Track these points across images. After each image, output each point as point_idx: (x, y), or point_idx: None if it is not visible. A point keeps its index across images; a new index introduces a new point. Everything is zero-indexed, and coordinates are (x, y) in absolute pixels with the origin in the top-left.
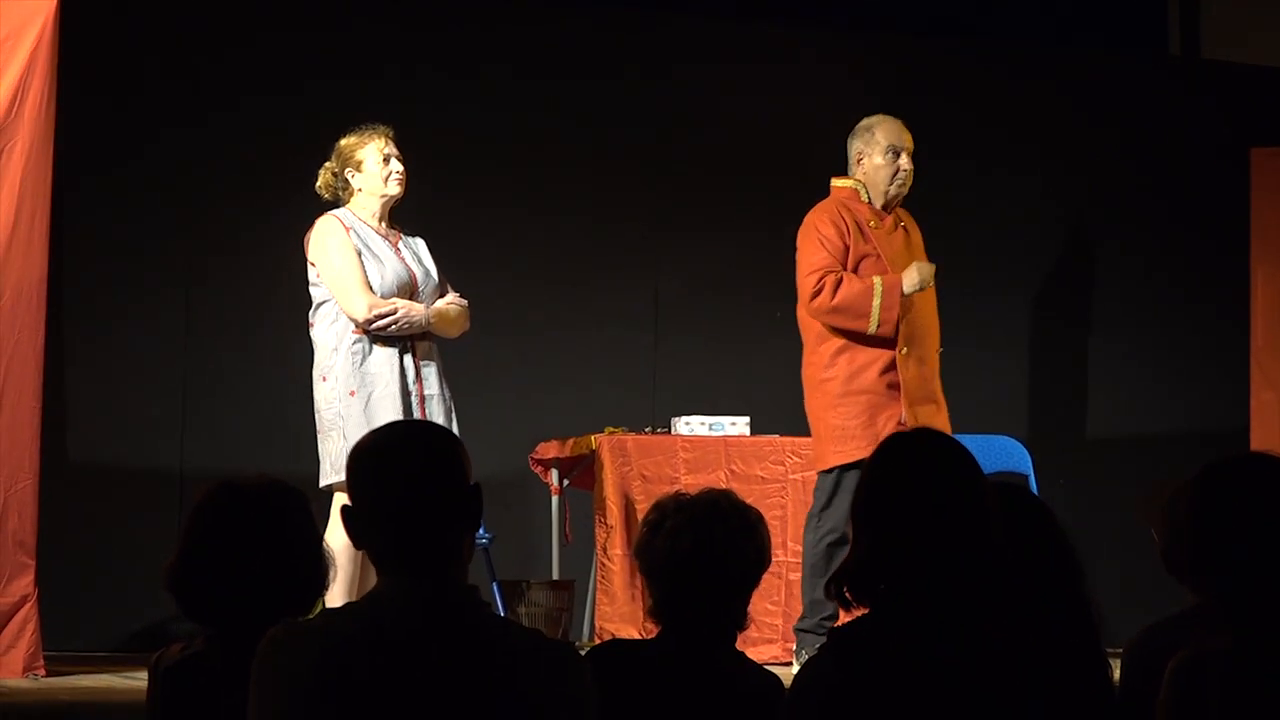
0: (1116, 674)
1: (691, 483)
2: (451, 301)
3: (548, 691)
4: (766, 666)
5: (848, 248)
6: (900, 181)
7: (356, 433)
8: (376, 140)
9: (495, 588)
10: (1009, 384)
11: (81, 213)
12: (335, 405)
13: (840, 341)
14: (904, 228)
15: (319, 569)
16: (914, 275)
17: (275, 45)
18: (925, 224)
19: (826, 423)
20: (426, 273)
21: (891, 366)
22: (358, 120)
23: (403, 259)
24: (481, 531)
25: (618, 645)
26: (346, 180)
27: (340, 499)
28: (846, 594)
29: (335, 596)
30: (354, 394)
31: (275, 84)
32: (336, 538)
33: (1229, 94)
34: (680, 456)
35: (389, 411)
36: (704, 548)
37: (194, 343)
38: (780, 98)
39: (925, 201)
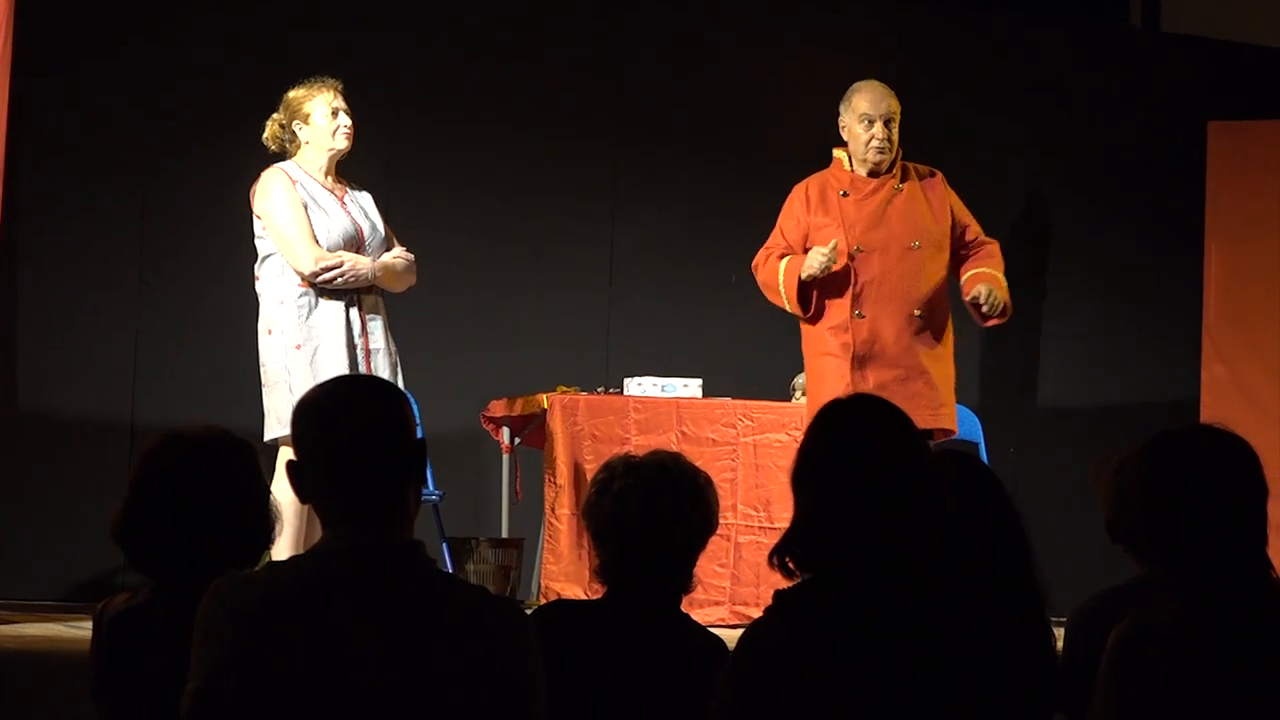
0: (1060, 643)
1: (642, 444)
2: (398, 256)
3: (490, 646)
4: (713, 629)
5: (807, 226)
6: (876, 149)
7: (302, 386)
8: (325, 93)
9: (444, 545)
10: (961, 353)
11: (33, 158)
12: (281, 359)
13: (814, 311)
14: (899, 187)
15: (265, 522)
16: (812, 259)
17: (228, 7)
18: None
19: (807, 384)
20: (373, 226)
21: (845, 331)
22: (313, 70)
23: (349, 213)
24: (432, 489)
25: (562, 605)
26: (294, 133)
27: (286, 453)
28: (789, 563)
29: (281, 550)
30: (300, 348)
31: (233, 35)
32: (283, 492)
33: (1187, 67)
34: (631, 417)
35: (335, 365)
36: (650, 510)
37: (146, 292)
38: (739, 58)
39: None
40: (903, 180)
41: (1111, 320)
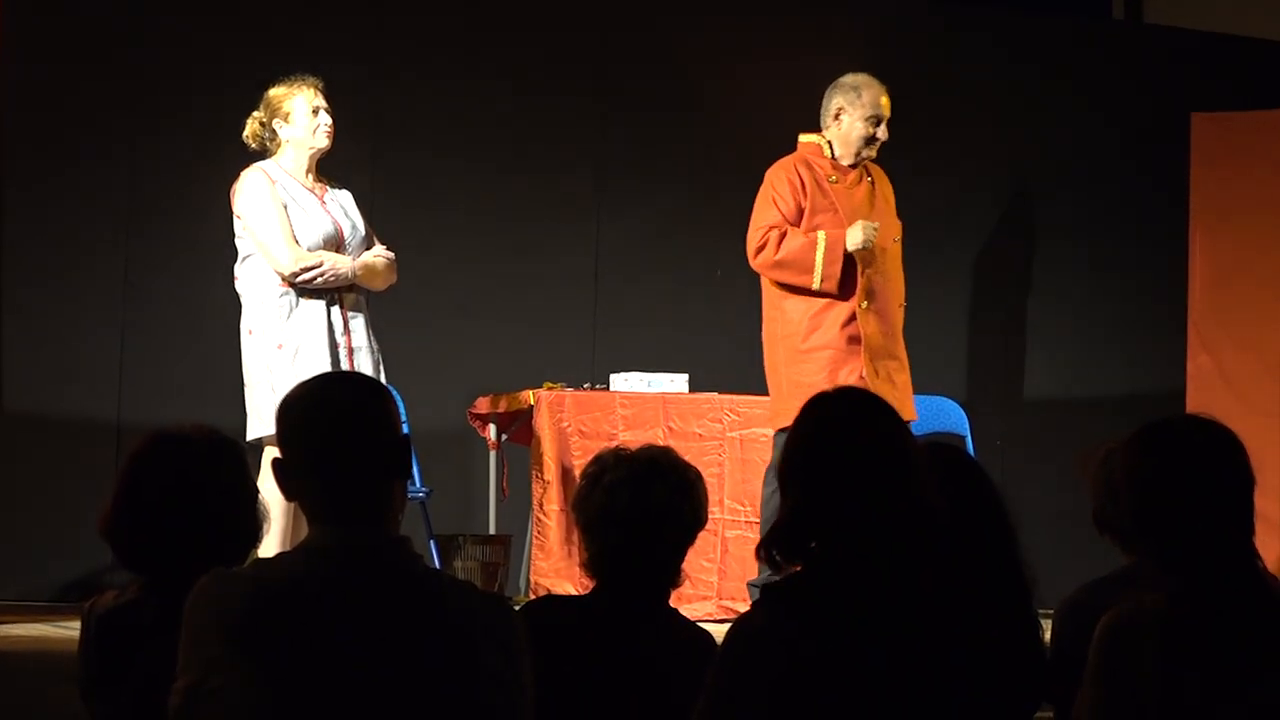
0: (1048, 635)
1: (630, 439)
2: (378, 254)
3: (478, 643)
4: (700, 623)
5: (801, 207)
6: (874, 148)
7: (285, 385)
8: (305, 91)
9: (431, 542)
10: (947, 345)
11: (18, 159)
12: (263, 358)
13: (800, 296)
14: (870, 181)
15: (253, 520)
16: (857, 234)
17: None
18: None
19: (788, 378)
20: (353, 225)
21: (852, 320)
22: (298, 67)
23: (329, 212)
24: (419, 486)
25: (550, 600)
26: (274, 131)
27: (272, 452)
28: (776, 556)
29: (268, 549)
30: (282, 347)
31: (221, 40)
32: (270, 490)
33: (1170, 58)
34: (618, 413)
35: (317, 364)
36: (640, 504)
37: (132, 292)
38: (725, 53)
39: None
40: (866, 173)
41: (1097, 312)
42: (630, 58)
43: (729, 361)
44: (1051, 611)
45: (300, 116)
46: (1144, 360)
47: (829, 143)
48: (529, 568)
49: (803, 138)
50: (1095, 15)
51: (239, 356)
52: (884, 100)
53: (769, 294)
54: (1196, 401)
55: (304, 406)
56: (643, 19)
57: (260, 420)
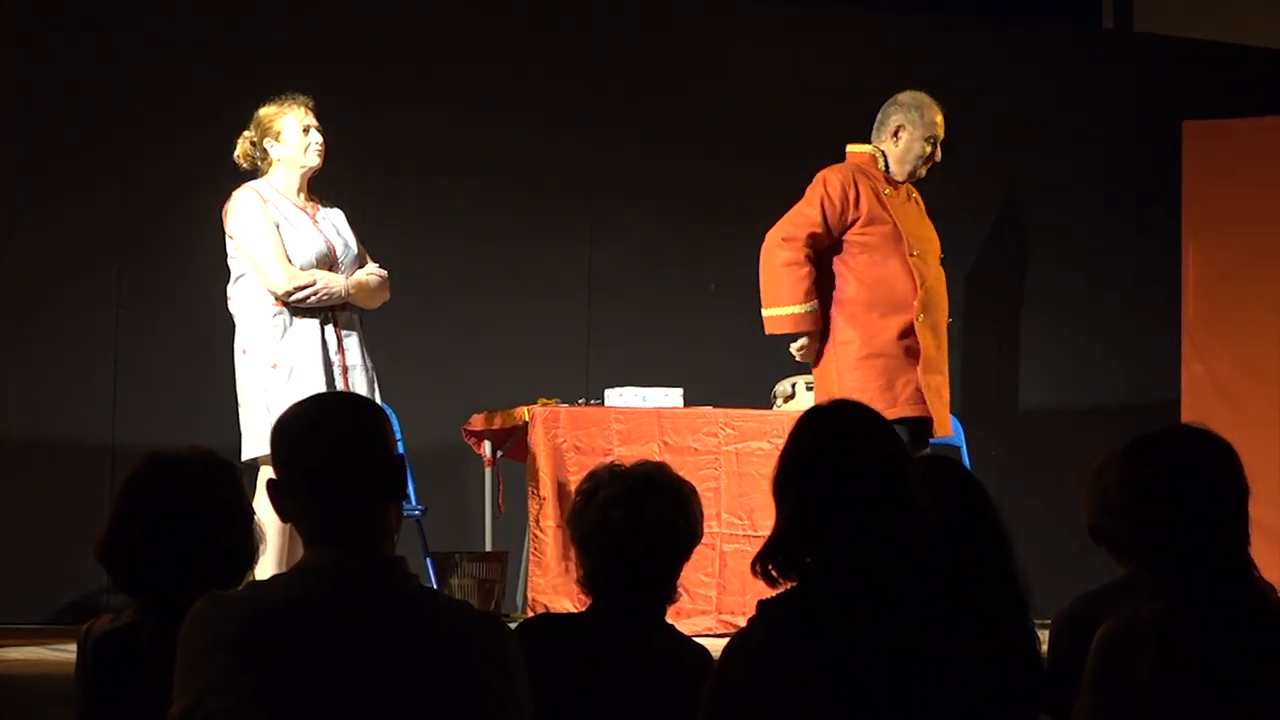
0: (1044, 646)
1: (625, 454)
2: (371, 272)
3: (475, 662)
4: (700, 638)
5: (846, 218)
6: (927, 167)
7: (280, 405)
8: (296, 110)
9: (428, 560)
10: None
11: (9, 181)
12: (257, 378)
13: (859, 305)
14: (915, 200)
15: (248, 541)
16: (795, 343)
17: (200, 24)
18: None
19: (841, 387)
20: (345, 244)
21: (910, 332)
22: (287, 85)
23: (321, 231)
24: (415, 504)
25: (547, 618)
26: (265, 150)
27: (267, 472)
28: (771, 570)
29: (264, 569)
30: (276, 367)
31: (207, 57)
32: (265, 510)
33: (1161, 67)
34: (613, 428)
35: (311, 383)
36: (635, 519)
37: (125, 315)
38: (718, 68)
39: None
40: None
41: (1090, 322)
42: (623, 76)
43: (723, 375)
44: (1048, 621)
45: (291, 135)
46: (1138, 370)
47: (883, 155)
48: (526, 584)
49: (852, 148)
50: (1086, 24)
51: (233, 377)
52: (940, 120)
53: (827, 301)
54: (1191, 411)
55: (299, 427)
56: (632, 40)
57: (255, 441)
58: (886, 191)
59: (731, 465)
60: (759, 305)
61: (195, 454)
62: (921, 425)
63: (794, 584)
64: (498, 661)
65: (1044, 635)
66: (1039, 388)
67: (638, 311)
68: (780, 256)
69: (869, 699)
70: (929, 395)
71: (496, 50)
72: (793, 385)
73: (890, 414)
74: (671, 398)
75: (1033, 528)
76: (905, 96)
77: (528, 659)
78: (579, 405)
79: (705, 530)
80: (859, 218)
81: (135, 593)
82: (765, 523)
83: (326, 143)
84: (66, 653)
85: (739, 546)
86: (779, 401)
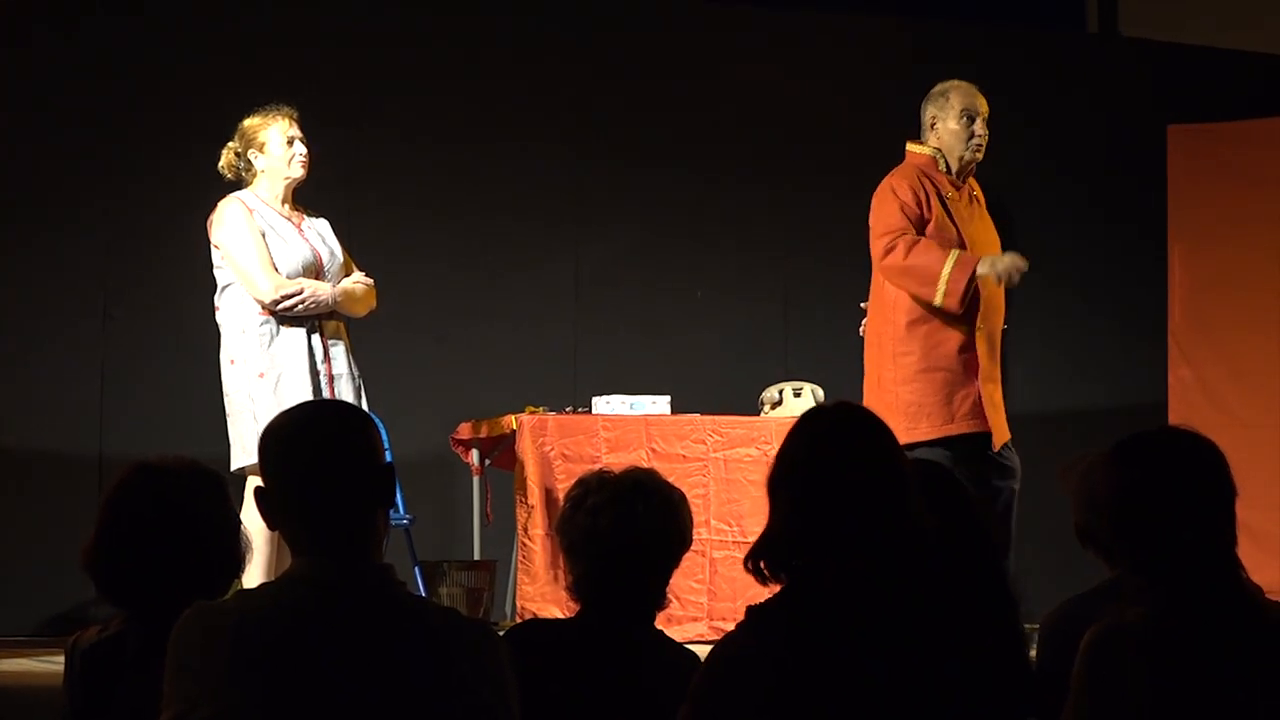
0: (1033, 649)
1: (613, 462)
2: (357, 281)
3: (463, 669)
4: (692, 645)
5: (925, 217)
6: (975, 146)
7: (267, 414)
8: (280, 122)
9: (416, 569)
10: None
11: None
12: (244, 388)
13: (918, 315)
14: (976, 199)
15: (236, 551)
16: (989, 265)
17: (184, 36)
18: (843, 204)
19: (899, 397)
20: (331, 253)
21: (970, 345)
22: (272, 96)
23: (307, 240)
24: (403, 513)
25: (536, 624)
26: (249, 161)
27: (255, 481)
28: (762, 568)
29: (252, 578)
30: (263, 376)
31: (191, 69)
32: (253, 520)
33: (1146, 72)
34: (601, 435)
35: (299, 392)
36: (624, 526)
37: (112, 325)
38: (702, 76)
39: (846, 182)
40: (971, 190)
41: (1077, 325)
42: (608, 85)
43: (711, 382)
44: (1036, 624)
45: (275, 147)
46: (1125, 373)
47: (940, 154)
48: (514, 592)
49: (912, 147)
50: (1070, 29)
51: (220, 387)
52: (968, 95)
53: (884, 310)
54: (1178, 413)
55: (286, 436)
56: (621, 47)
57: (243, 450)
58: (949, 194)
59: (720, 472)
60: (745, 312)
61: (181, 463)
62: (981, 440)
63: (783, 585)
64: (486, 668)
65: (1033, 638)
66: (1026, 391)
67: (625, 319)
68: (899, 254)
69: (859, 704)
70: (987, 408)
71: (482, 61)
72: (780, 392)
73: (947, 430)
74: (659, 405)
75: (1021, 530)
76: (935, 88)
77: (516, 665)
78: (566, 413)
79: (695, 537)
80: (930, 219)
81: (122, 603)
82: (754, 529)
83: (311, 153)
84: (54, 664)
85: (728, 553)
86: (766, 408)
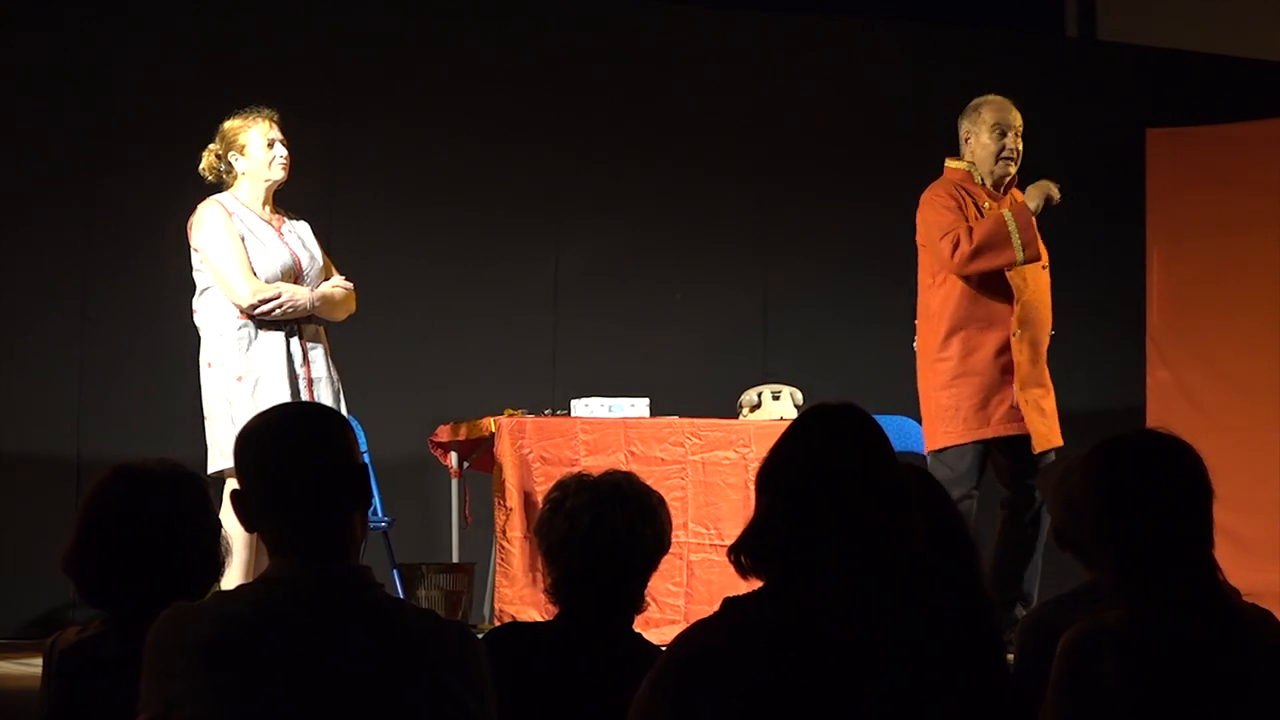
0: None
1: (591, 465)
2: (336, 285)
3: (441, 671)
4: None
5: (967, 221)
6: (1007, 159)
7: (245, 418)
8: (260, 124)
9: (394, 571)
10: (905, 362)
11: None
12: (222, 391)
13: (956, 322)
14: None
15: (215, 553)
16: (1035, 199)
17: (164, 38)
18: (824, 207)
19: (938, 402)
20: (311, 257)
21: (1006, 349)
22: (255, 95)
23: (286, 244)
24: (381, 515)
25: (513, 627)
26: (230, 164)
27: (233, 484)
28: (743, 560)
29: (231, 580)
30: (241, 379)
31: (171, 72)
32: (231, 523)
33: (1125, 75)
34: (580, 438)
35: (277, 396)
36: (602, 528)
37: (89, 327)
38: (681, 78)
39: (825, 184)
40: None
41: (1056, 328)
42: (586, 87)
43: (689, 385)
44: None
45: (256, 149)
46: (1104, 376)
47: (974, 167)
48: (493, 595)
49: (950, 163)
50: (1049, 33)
51: (198, 390)
52: (1000, 110)
53: (929, 321)
54: (1156, 416)
55: (262, 438)
56: (600, 50)
57: (221, 453)
58: (987, 205)
59: (698, 475)
60: (724, 315)
61: (161, 466)
62: (1019, 443)
63: (762, 579)
64: (465, 670)
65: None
66: None
67: (603, 322)
68: (965, 242)
69: (833, 703)
70: (1026, 410)
71: (461, 64)
72: (759, 395)
73: (983, 433)
74: (638, 408)
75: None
76: (970, 104)
77: (495, 668)
78: (545, 416)
79: (673, 540)
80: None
81: (102, 605)
82: (732, 531)
83: (291, 156)
84: (32, 666)
85: (706, 556)
86: (745, 411)
